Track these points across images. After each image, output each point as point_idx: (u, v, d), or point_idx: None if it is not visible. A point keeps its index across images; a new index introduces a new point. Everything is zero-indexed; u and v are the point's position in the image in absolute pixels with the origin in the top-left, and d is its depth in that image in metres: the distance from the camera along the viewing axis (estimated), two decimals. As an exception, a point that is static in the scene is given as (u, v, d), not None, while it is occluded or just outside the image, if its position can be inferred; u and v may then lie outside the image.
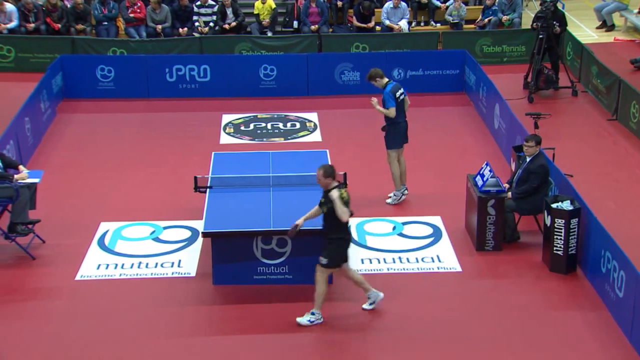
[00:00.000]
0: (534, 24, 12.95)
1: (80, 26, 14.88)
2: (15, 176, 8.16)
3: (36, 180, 8.40)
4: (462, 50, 13.62)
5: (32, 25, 14.72)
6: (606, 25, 16.43)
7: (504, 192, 8.29)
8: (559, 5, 13.42)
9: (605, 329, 7.08)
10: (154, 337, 6.94)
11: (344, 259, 7.08)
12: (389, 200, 9.38)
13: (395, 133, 9.18)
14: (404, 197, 9.39)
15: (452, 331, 7.09)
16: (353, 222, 8.88)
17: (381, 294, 7.32)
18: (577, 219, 7.82)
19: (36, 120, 11.24)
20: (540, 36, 12.73)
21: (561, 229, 7.80)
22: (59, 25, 14.76)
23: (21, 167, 8.42)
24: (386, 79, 9.12)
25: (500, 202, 8.21)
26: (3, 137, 9.40)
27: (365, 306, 7.32)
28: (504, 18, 15.41)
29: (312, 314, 7.07)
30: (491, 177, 8.29)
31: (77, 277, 7.88)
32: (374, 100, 9.08)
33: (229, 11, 15.09)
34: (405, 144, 9.37)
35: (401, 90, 9.16)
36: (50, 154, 10.97)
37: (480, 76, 12.40)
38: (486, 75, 12.13)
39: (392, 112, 9.02)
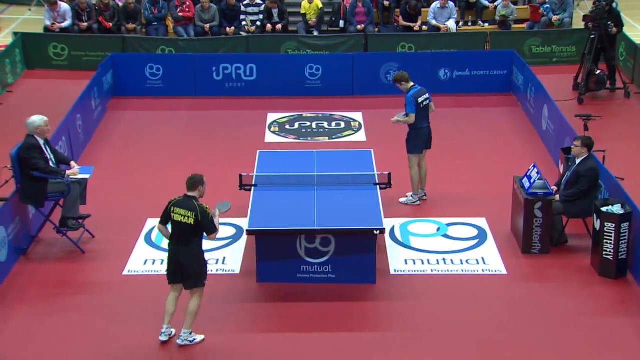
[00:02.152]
0: (588, 24, 12.65)
1: (131, 25, 15.16)
2: (67, 172, 8.30)
3: (87, 176, 8.54)
4: (510, 51, 13.44)
5: (85, 24, 15.06)
6: (661, 25, 16.01)
7: (551, 194, 8.15)
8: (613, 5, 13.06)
9: (656, 336, 6.90)
10: (198, 333, 6.96)
11: (169, 277, 6.76)
12: (402, 200, 9.33)
13: (417, 138, 9.19)
14: (419, 202, 9.34)
15: (496, 334, 6.99)
16: (397, 222, 8.93)
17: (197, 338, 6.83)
18: (628, 223, 7.63)
19: (87, 117, 11.49)
20: (592, 36, 12.44)
21: (611, 233, 7.62)
22: (111, 24, 15.08)
23: (73, 163, 8.56)
24: (411, 83, 9.15)
25: (548, 205, 8.06)
26: (56, 134, 9.61)
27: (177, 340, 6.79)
28: (554, 18, 15.13)
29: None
30: (538, 179, 8.15)
31: (125, 272, 8.01)
32: (394, 118, 9.16)
33: (275, 12, 15.20)
34: (429, 149, 9.35)
35: (426, 96, 9.14)
36: (101, 150, 11.20)
37: (529, 77, 12.20)
38: (535, 76, 11.93)
39: (411, 118, 9.06)
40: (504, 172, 9.69)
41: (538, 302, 7.47)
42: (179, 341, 6.80)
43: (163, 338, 6.82)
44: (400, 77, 9.17)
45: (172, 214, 6.69)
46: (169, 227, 6.79)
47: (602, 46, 12.47)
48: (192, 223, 6.60)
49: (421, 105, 9.10)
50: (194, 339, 6.83)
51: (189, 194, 6.74)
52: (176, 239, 6.72)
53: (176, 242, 6.72)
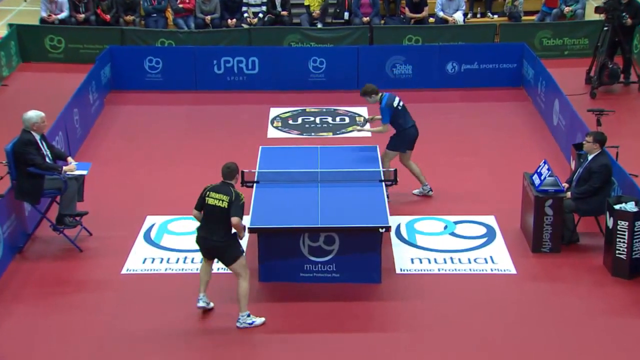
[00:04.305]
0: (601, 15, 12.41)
1: (129, 17, 14.97)
2: (64, 168, 8.19)
3: (84, 172, 8.42)
4: (520, 43, 13.24)
5: (82, 15, 14.86)
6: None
7: (562, 191, 8.00)
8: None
9: (672, 339, 6.72)
10: (199, 332, 6.90)
11: (203, 253, 7.01)
12: (416, 191, 9.28)
13: (403, 138, 9.10)
14: (431, 192, 9.23)
15: (505, 336, 6.84)
16: (403, 220, 8.79)
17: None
18: (642, 222, 7.46)
19: (85, 112, 11.31)
20: (605, 28, 12.21)
21: (624, 231, 7.46)
22: (109, 16, 14.87)
23: (69, 159, 8.45)
24: (380, 93, 9.00)
25: (559, 202, 7.91)
26: (52, 129, 9.46)
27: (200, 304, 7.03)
28: (566, 9, 14.90)
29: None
30: (549, 175, 8.00)
31: (123, 271, 7.89)
32: (363, 126, 9.30)
33: (278, 2, 15.00)
34: (411, 150, 9.17)
35: (398, 99, 9.06)
36: (98, 146, 11.04)
37: (539, 70, 12.01)
38: (546, 69, 11.75)
39: (385, 129, 9.06)
40: (514, 169, 9.54)
41: (548, 302, 7.33)
42: (238, 324, 6.87)
43: (200, 304, 6.98)
44: (371, 89, 9.00)
45: (207, 198, 6.82)
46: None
47: (618, 39, 12.22)
48: (226, 207, 6.72)
49: (399, 108, 9.01)
50: (253, 322, 6.90)
51: (226, 181, 6.88)
52: (206, 222, 6.84)
53: (205, 226, 6.84)
